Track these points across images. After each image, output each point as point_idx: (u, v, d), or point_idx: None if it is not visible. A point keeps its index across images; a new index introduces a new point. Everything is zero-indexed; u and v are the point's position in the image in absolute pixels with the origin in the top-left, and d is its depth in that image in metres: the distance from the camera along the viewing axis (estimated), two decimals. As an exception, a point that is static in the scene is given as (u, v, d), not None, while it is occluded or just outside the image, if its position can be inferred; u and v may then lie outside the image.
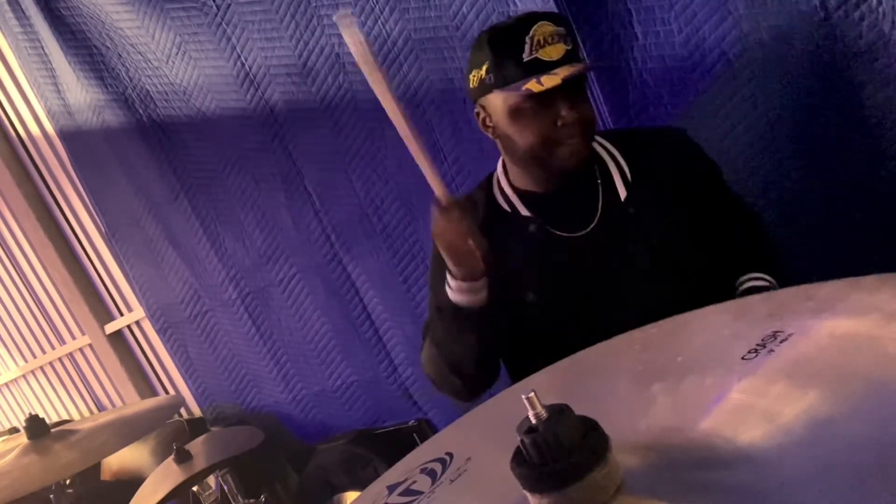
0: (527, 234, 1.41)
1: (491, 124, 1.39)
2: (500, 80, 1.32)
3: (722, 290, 1.36)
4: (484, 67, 1.34)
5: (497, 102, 1.35)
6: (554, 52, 1.28)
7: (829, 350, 0.65)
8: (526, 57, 1.28)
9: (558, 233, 1.39)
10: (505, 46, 1.30)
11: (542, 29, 1.28)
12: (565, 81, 1.26)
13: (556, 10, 1.75)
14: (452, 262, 1.30)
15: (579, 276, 1.38)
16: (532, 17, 1.30)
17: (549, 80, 1.26)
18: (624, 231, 1.36)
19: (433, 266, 1.54)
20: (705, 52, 1.66)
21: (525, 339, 1.42)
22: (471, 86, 1.40)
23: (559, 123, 1.30)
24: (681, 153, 1.43)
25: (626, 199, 1.37)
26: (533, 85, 1.27)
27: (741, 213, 1.48)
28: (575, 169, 1.35)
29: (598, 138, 1.45)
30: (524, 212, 1.42)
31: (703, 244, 1.37)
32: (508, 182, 1.46)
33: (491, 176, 1.52)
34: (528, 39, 1.27)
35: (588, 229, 1.37)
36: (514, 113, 1.33)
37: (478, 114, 1.42)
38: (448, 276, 1.33)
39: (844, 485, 0.50)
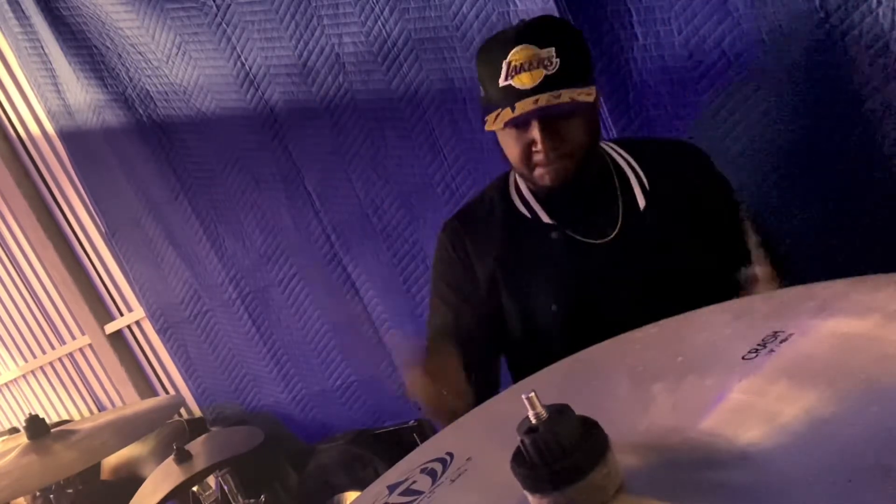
0: (549, 241, 1.38)
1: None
2: (485, 99, 1.33)
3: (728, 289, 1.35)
4: (481, 85, 1.35)
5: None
6: (528, 79, 1.23)
7: (829, 350, 0.65)
8: (501, 82, 1.26)
9: (580, 239, 1.37)
10: (486, 68, 1.30)
11: (521, 53, 1.24)
12: (525, 116, 1.23)
13: (556, 12, 1.74)
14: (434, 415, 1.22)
15: (600, 284, 1.37)
16: (516, 37, 1.26)
17: (503, 118, 1.24)
18: (643, 240, 1.35)
19: (438, 290, 1.52)
20: (705, 52, 1.66)
21: (542, 347, 1.40)
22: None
23: (533, 149, 1.29)
24: (695, 166, 1.43)
25: (645, 208, 1.36)
26: (490, 119, 1.26)
27: (752, 229, 1.45)
28: (558, 188, 1.32)
29: (613, 146, 1.44)
30: (545, 219, 1.39)
31: (714, 256, 1.36)
32: (527, 185, 1.42)
33: (505, 177, 1.48)
34: (504, 64, 1.25)
35: (609, 238, 1.36)
36: (500, 131, 1.32)
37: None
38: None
39: (844, 485, 0.50)
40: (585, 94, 1.26)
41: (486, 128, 1.28)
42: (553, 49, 1.24)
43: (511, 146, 1.32)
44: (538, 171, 1.31)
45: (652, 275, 1.35)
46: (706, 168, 1.44)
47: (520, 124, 1.27)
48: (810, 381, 0.61)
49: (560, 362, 0.96)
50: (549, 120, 1.26)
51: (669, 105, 1.75)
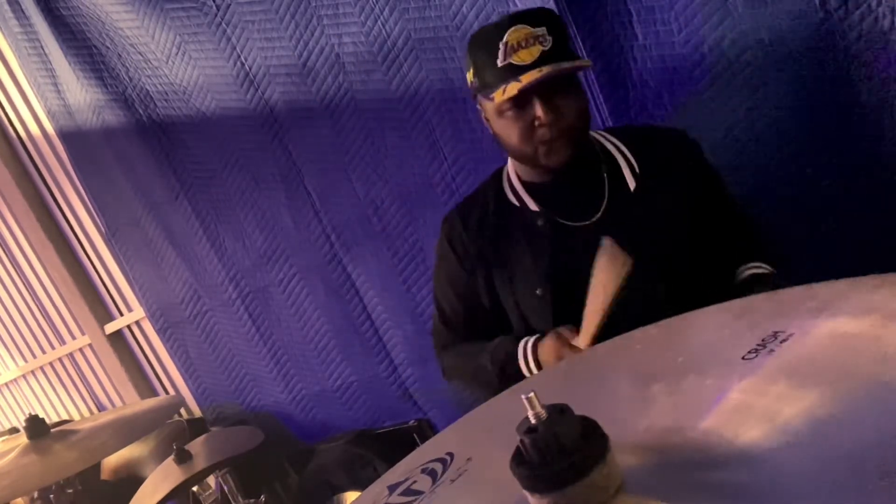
0: (535, 229, 1.42)
1: (489, 119, 1.42)
2: (481, 84, 1.36)
3: (719, 283, 1.37)
4: (471, 71, 1.38)
5: (486, 103, 1.38)
6: (527, 55, 1.28)
7: (829, 350, 0.65)
8: (500, 63, 1.30)
9: (565, 223, 1.40)
10: (482, 53, 1.33)
11: (517, 33, 1.29)
12: (535, 84, 1.27)
13: (548, 9, 1.75)
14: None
15: (586, 267, 1.38)
16: (509, 21, 1.31)
17: (512, 89, 1.28)
18: (630, 221, 1.37)
19: (444, 286, 1.56)
20: (705, 52, 1.66)
21: (534, 333, 1.42)
22: (468, 84, 1.43)
23: (536, 124, 1.32)
24: (685, 150, 1.45)
25: (636, 189, 1.38)
26: (497, 94, 1.30)
27: (737, 212, 1.49)
28: (559, 168, 1.37)
29: (604, 133, 1.47)
30: (533, 206, 1.43)
31: (703, 240, 1.39)
32: (517, 175, 1.48)
33: (500, 171, 1.54)
34: (501, 45, 1.29)
35: (594, 218, 1.39)
36: (499, 114, 1.36)
37: (480, 110, 1.45)
38: (531, 355, 1.37)
39: (844, 485, 0.50)
40: (583, 63, 1.35)
41: (497, 100, 1.31)
42: (545, 28, 1.30)
43: (511, 129, 1.35)
44: (542, 150, 1.34)
45: (636, 256, 1.36)
46: (698, 158, 1.47)
47: (521, 103, 1.31)
48: (810, 381, 0.61)
49: (560, 362, 0.96)
50: (550, 96, 1.31)
51: (669, 104, 1.75)
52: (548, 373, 1.15)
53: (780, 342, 0.68)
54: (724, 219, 1.44)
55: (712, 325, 0.84)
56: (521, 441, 0.59)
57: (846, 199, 1.63)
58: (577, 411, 0.59)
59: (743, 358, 0.68)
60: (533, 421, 0.58)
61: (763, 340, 0.69)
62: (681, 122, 1.73)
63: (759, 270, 1.36)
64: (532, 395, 0.59)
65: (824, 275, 0.76)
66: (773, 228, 1.65)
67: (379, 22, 2.09)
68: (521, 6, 1.83)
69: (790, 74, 1.59)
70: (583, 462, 0.56)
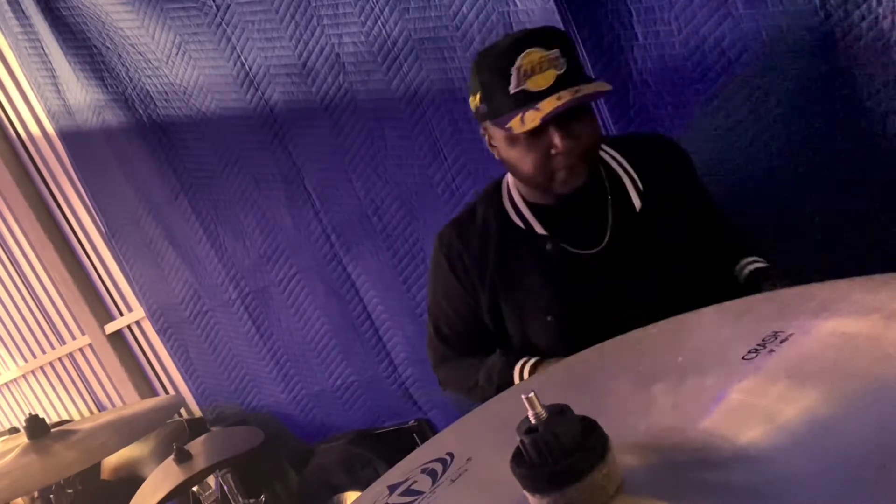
0: (543, 253, 1.38)
1: (495, 145, 1.37)
2: (490, 111, 1.29)
3: (720, 285, 1.37)
4: (478, 96, 1.31)
5: (494, 130, 1.32)
6: (542, 80, 1.21)
7: (829, 350, 0.65)
8: (513, 89, 1.23)
9: (574, 250, 1.36)
10: (492, 78, 1.26)
11: (530, 57, 1.21)
12: (556, 113, 1.20)
13: (556, 12, 1.74)
14: None
15: (594, 293, 1.36)
16: (521, 43, 1.23)
17: (531, 119, 1.21)
18: (639, 242, 1.35)
19: (442, 304, 1.55)
20: (705, 52, 1.66)
21: (542, 357, 1.41)
22: (472, 108, 1.37)
23: (552, 152, 1.26)
24: (680, 160, 1.44)
25: (641, 210, 1.35)
26: (515, 123, 1.23)
27: (719, 211, 1.48)
28: (572, 193, 1.32)
29: (604, 147, 1.42)
30: (540, 230, 1.38)
31: (701, 246, 1.38)
32: (521, 196, 1.42)
33: (497, 187, 1.47)
34: (514, 70, 1.22)
35: (603, 244, 1.35)
36: (511, 141, 1.29)
37: (483, 134, 1.39)
38: (525, 368, 1.37)
39: (844, 485, 0.50)
40: (602, 86, 1.26)
41: (516, 131, 1.24)
42: (557, 50, 1.23)
43: (525, 158, 1.29)
44: (559, 177, 1.29)
45: (648, 278, 1.34)
46: (691, 166, 1.46)
47: (535, 131, 1.24)
48: (810, 381, 0.61)
49: (560, 362, 0.96)
50: (566, 122, 1.24)
51: (669, 105, 1.75)
52: (548, 373, 1.15)
53: (780, 342, 0.68)
54: (713, 221, 1.44)
55: (712, 325, 0.84)
56: (521, 441, 0.59)
57: (846, 198, 1.63)
58: (577, 411, 0.59)
59: (743, 358, 0.68)
60: (533, 421, 0.58)
61: (763, 340, 0.69)
62: (681, 123, 1.74)
63: (759, 265, 1.35)
64: (532, 395, 0.59)
65: (824, 275, 0.76)
66: (773, 228, 1.65)
67: (379, 22, 2.09)
68: (520, 6, 1.83)
69: (790, 74, 1.59)
70: (583, 462, 0.56)
